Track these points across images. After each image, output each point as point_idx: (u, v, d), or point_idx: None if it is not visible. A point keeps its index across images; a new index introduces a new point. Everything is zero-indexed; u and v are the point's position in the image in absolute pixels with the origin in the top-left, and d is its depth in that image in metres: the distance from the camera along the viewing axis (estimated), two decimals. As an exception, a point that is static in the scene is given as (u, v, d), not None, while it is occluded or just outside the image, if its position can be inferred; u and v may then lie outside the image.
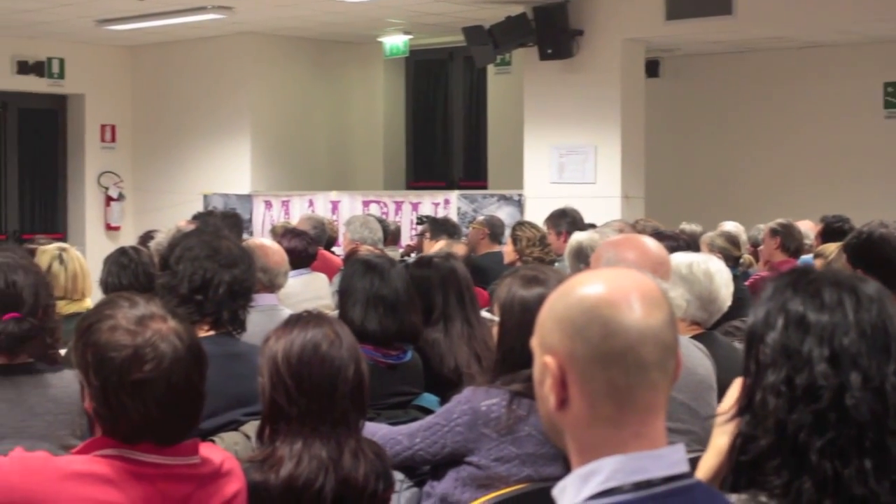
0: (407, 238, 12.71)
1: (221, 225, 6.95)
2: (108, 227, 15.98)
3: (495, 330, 3.91)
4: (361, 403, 3.20)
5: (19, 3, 12.48)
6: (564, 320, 1.99)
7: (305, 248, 7.82)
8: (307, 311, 3.31)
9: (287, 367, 3.12)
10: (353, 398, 3.16)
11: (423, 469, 3.99)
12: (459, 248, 8.12)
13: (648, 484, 1.94)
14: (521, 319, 3.70)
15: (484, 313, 4.36)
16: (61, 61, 15.49)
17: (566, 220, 9.04)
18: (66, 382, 3.71)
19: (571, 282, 2.06)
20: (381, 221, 9.75)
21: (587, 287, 2.02)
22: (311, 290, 7.53)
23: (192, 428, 2.73)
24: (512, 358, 3.77)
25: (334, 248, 10.47)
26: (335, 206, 13.89)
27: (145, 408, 2.60)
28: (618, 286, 2.01)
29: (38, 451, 2.72)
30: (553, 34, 12.18)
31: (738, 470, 2.29)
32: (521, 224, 8.93)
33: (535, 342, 2.06)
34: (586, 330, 1.96)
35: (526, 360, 3.70)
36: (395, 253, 10.02)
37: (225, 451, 2.93)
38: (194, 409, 2.70)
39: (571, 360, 1.97)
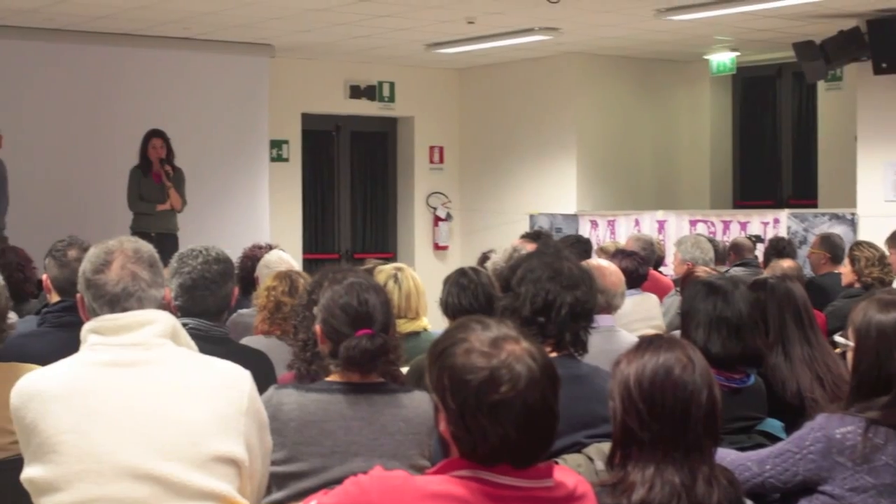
0: (735, 258, 12.48)
1: (562, 247, 6.94)
2: (437, 247, 16.28)
3: (849, 355, 3.78)
4: (714, 429, 3.12)
5: (353, 29, 12.85)
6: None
7: (636, 268, 7.78)
8: (659, 334, 3.27)
9: (639, 391, 3.07)
10: (706, 424, 3.09)
11: (773, 497, 3.89)
12: (787, 263, 7.94)
13: None
14: (877, 344, 3.58)
15: (837, 338, 4.21)
16: (391, 85, 15.88)
17: (908, 240, 8.73)
18: (417, 402, 3.79)
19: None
20: (710, 241, 9.60)
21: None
22: (642, 311, 7.47)
23: (548, 449, 2.72)
24: (868, 384, 3.64)
25: (661, 268, 10.38)
26: (661, 225, 13.77)
27: (503, 429, 2.60)
28: None
29: (396, 471, 2.76)
30: (888, 47, 11.77)
31: None
32: (858, 244, 8.66)
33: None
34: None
35: (883, 386, 3.61)
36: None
37: (577, 474, 2.91)
38: (549, 429, 2.69)
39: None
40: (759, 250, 11.04)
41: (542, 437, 2.68)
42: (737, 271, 9.02)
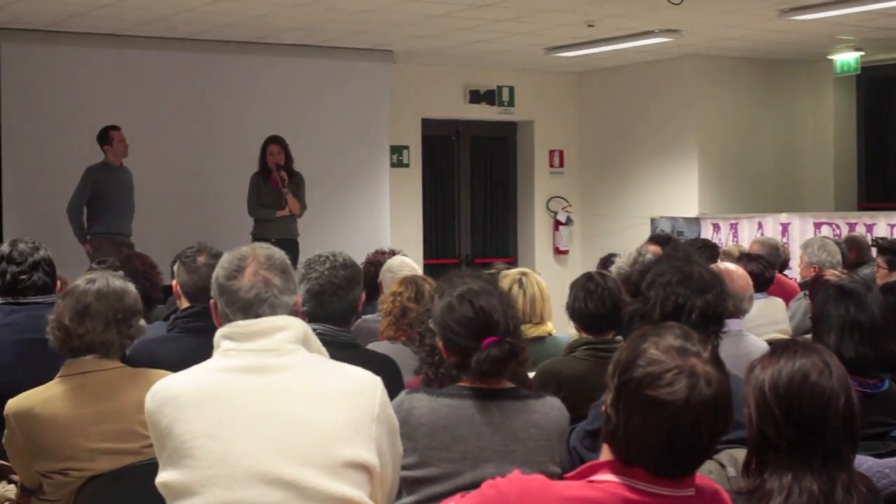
0: (861, 260, 12.25)
1: (692, 251, 6.89)
2: (557, 252, 16.23)
3: None
4: (852, 436, 3.06)
5: (472, 34, 12.87)
6: None
7: (762, 271, 7.69)
8: (794, 339, 3.22)
9: (775, 396, 3.02)
10: (844, 430, 3.03)
11: (914, 506, 3.81)
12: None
13: None
14: None
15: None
16: (511, 89, 15.87)
17: None
18: (549, 409, 3.76)
19: None
20: (837, 243, 9.45)
21: None
22: (768, 315, 7.38)
23: (686, 471, 2.70)
24: None
25: (786, 271, 10.24)
26: (785, 228, 13.59)
27: (644, 426, 2.62)
28: None
29: (535, 475, 2.77)
30: None
31: None
32: None
33: None
34: None
35: None
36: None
37: (714, 482, 2.88)
38: (691, 453, 2.67)
39: None
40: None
41: (680, 456, 2.66)
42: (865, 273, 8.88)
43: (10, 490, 4.37)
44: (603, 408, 2.74)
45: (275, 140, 12.13)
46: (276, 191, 12.04)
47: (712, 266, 5.33)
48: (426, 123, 15.43)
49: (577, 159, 16.40)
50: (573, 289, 5.55)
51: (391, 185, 14.59)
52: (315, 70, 13.87)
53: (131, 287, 4.45)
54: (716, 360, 2.72)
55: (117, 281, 4.39)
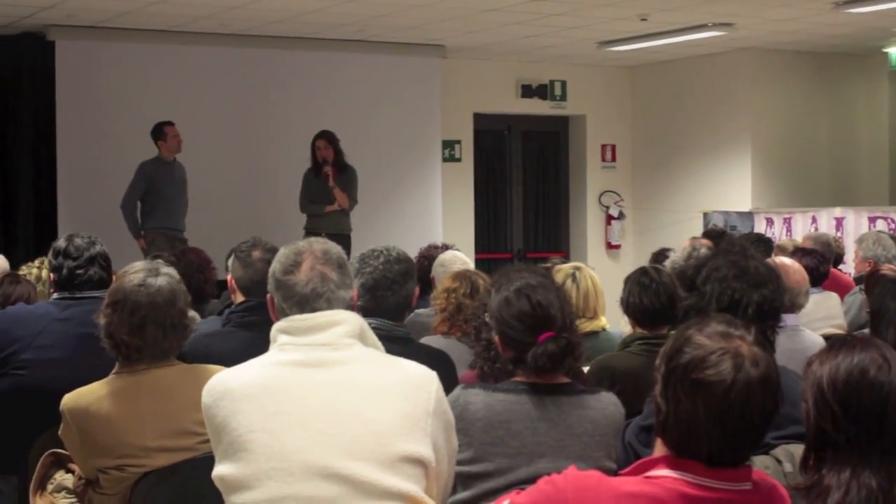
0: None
1: (748, 245, 6.85)
2: (609, 246, 16.18)
3: None
4: (913, 431, 3.04)
5: (524, 28, 12.85)
6: None
7: (817, 266, 7.65)
8: (852, 334, 3.19)
9: (833, 392, 3.00)
10: (905, 426, 3.01)
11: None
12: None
13: None
14: None
15: None
16: (563, 83, 15.82)
17: None
18: (604, 404, 3.75)
19: None
20: (892, 238, 9.36)
21: None
22: (823, 310, 7.32)
23: (740, 455, 2.69)
24: None
25: (841, 266, 10.16)
26: (839, 222, 13.48)
27: (694, 411, 2.62)
28: None
29: (591, 471, 2.77)
30: None
31: None
32: None
33: None
34: None
35: None
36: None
37: (771, 478, 2.86)
38: (744, 436, 2.67)
39: None
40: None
41: (733, 439, 2.65)
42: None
43: (68, 479, 4.38)
44: (654, 393, 2.75)
45: (322, 135, 12.14)
46: (324, 186, 12.05)
47: (768, 260, 5.29)
48: (478, 118, 15.42)
49: (630, 154, 16.34)
50: (627, 283, 5.51)
51: (443, 180, 14.60)
52: (367, 65, 13.88)
53: (177, 282, 4.34)
54: (761, 343, 2.73)
55: (162, 280, 4.26)
